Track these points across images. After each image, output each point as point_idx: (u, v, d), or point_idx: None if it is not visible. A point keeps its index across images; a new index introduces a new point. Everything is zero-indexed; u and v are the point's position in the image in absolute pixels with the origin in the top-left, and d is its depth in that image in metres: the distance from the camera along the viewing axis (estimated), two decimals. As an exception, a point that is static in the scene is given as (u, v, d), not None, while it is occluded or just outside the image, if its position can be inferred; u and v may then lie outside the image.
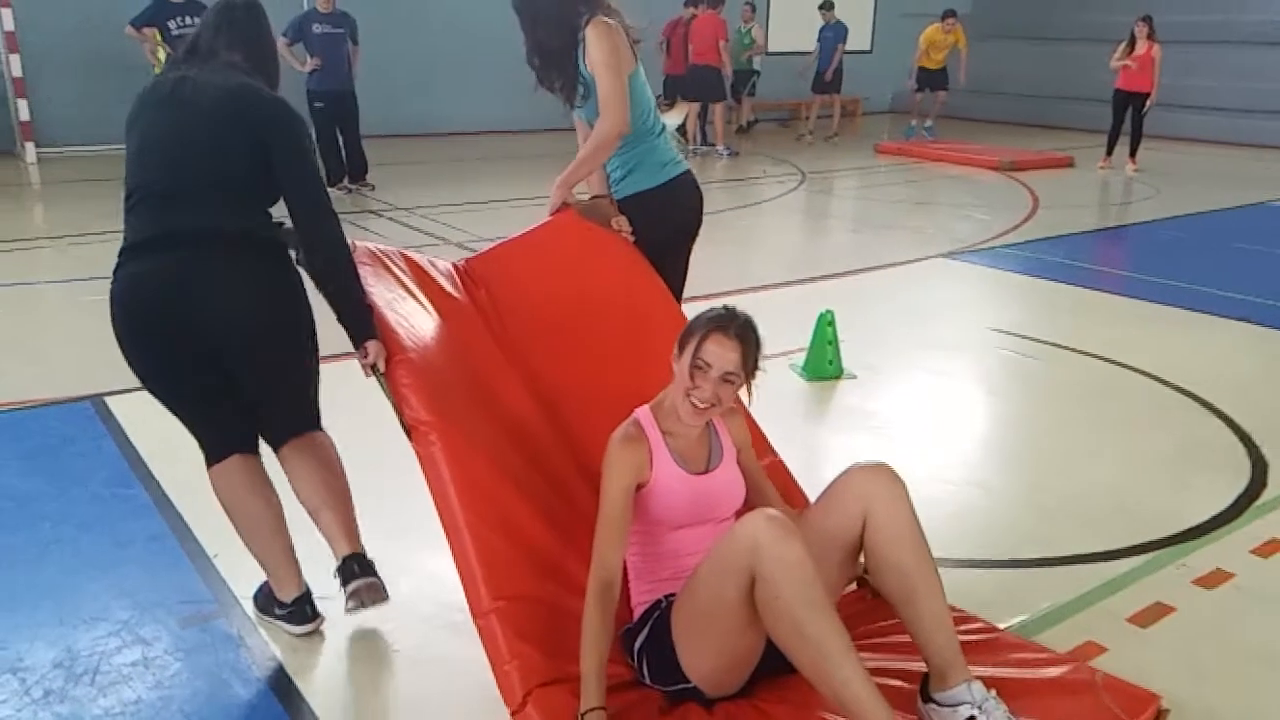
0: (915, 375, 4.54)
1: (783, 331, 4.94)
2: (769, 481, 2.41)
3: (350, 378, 2.51)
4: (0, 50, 9.96)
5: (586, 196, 3.04)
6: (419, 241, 6.72)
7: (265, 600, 2.55)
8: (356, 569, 2.45)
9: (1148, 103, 10.20)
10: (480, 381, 2.49)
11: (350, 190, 8.69)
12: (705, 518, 2.18)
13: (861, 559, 2.17)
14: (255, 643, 2.47)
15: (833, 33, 12.95)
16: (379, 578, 2.49)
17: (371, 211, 8.01)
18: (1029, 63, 15.36)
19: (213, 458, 2.45)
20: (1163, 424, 3.98)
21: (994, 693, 1.98)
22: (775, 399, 4.23)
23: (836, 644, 1.82)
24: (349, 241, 2.48)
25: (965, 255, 6.84)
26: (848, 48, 13.12)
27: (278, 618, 2.51)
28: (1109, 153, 10.76)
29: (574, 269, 2.81)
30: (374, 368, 2.34)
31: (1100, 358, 4.71)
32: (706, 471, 2.19)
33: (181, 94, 2.36)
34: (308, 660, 2.42)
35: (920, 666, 2.08)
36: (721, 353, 2.06)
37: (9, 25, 9.77)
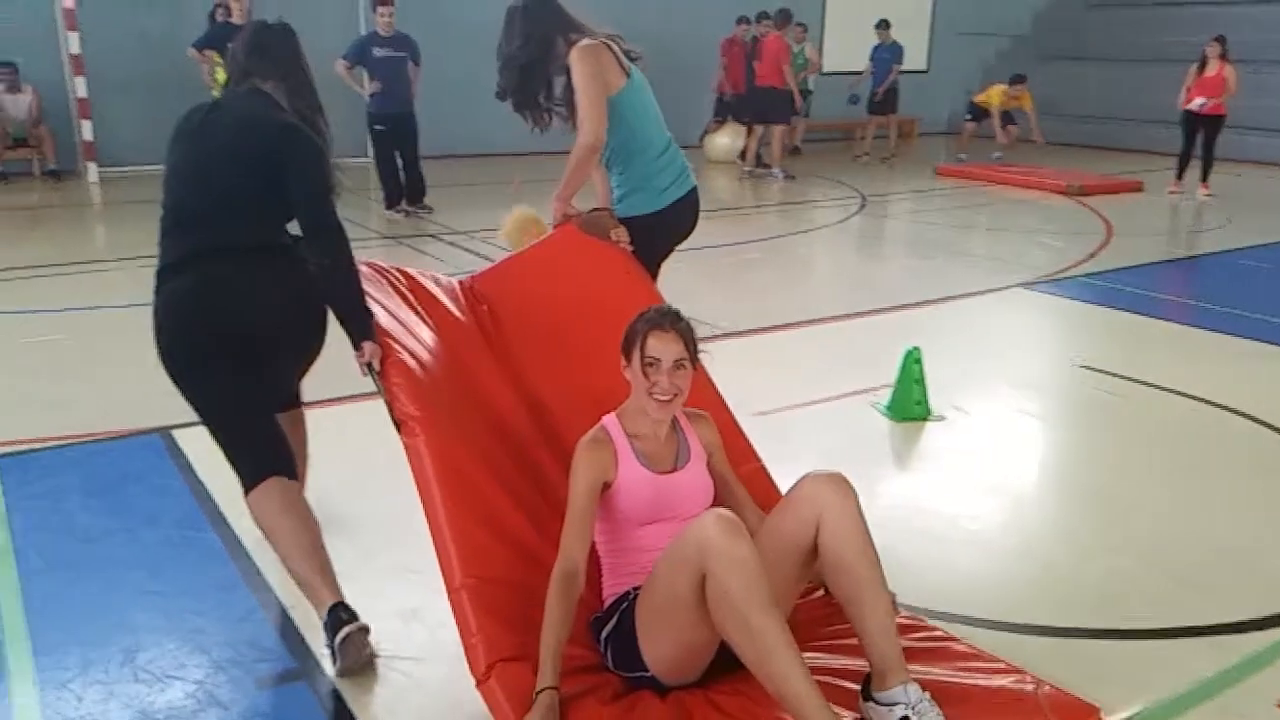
0: (1006, 417, 4.33)
1: (861, 367, 4.76)
2: (740, 485, 2.51)
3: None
4: (66, 72, 10.09)
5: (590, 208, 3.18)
6: (478, 266, 6.62)
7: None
8: None
9: (1192, 103, 9.86)
10: (470, 384, 2.68)
11: (408, 213, 8.62)
12: (670, 515, 2.28)
13: None
14: (337, 708, 2.34)
15: (889, 53, 12.75)
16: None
17: (430, 235, 7.94)
18: (1092, 84, 15.02)
19: (250, 481, 2.55)
20: (1275, 473, 3.74)
21: (929, 695, 2.04)
22: (862, 442, 4.08)
23: (779, 640, 1.90)
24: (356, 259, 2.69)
25: (1043, 285, 6.60)
26: (903, 67, 12.92)
27: (330, 649, 2.39)
28: (1179, 176, 10.43)
29: (573, 281, 2.99)
30: (369, 366, 2.52)
31: (1196, 398, 4.47)
32: (673, 471, 2.33)
33: (205, 125, 2.68)
34: (393, 729, 2.29)
35: (867, 667, 2.14)
36: (664, 345, 2.24)
37: (75, 48, 9.89)
